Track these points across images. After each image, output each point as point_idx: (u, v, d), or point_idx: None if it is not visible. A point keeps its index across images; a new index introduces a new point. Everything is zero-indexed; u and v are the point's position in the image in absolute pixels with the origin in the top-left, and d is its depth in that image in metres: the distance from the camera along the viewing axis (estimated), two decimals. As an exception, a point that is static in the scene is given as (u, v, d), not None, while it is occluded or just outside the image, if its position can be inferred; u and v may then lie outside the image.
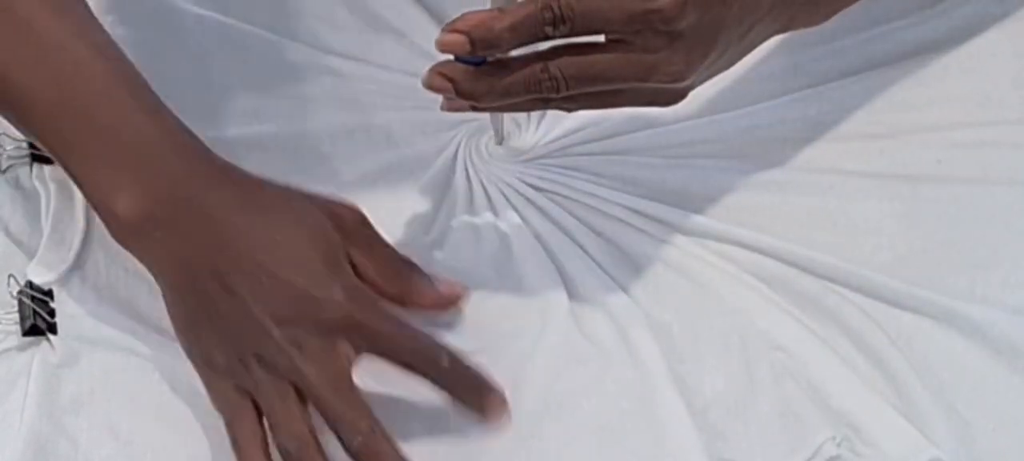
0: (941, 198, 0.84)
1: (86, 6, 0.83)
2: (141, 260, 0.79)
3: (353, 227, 0.80)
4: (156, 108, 0.80)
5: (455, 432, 0.78)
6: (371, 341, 0.76)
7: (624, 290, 0.82)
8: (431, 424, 0.78)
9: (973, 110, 0.86)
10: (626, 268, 0.83)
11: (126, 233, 0.78)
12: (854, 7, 0.83)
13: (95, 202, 0.78)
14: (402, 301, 0.80)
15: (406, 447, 0.76)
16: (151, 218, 0.77)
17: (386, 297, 0.79)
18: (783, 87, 0.88)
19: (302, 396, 0.76)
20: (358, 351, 0.77)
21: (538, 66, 0.73)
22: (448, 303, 0.81)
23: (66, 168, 0.79)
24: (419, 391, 0.78)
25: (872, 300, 0.81)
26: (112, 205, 0.77)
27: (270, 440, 0.76)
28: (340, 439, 0.75)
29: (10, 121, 0.81)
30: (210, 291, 0.76)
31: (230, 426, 0.77)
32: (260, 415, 0.76)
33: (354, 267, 0.79)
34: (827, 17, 0.81)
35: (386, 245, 0.81)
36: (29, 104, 0.78)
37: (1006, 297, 0.81)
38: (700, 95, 0.84)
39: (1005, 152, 0.85)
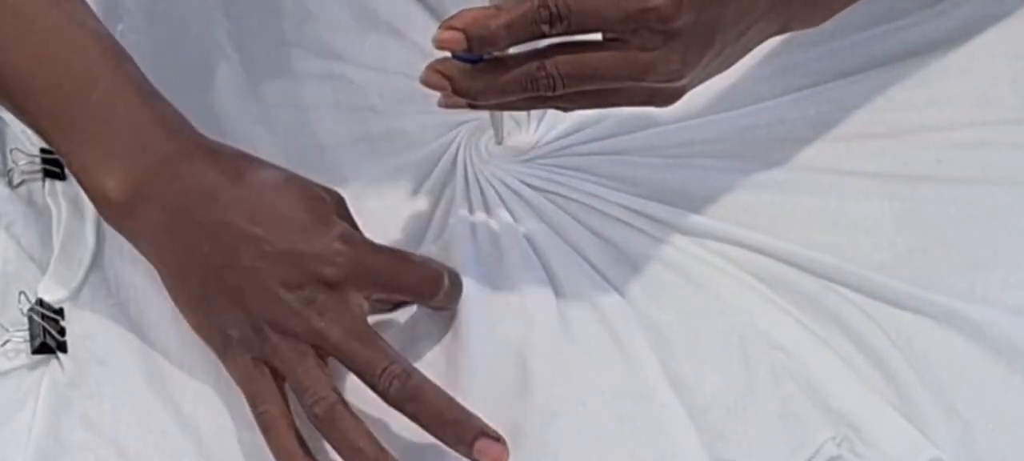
0: (941, 198, 0.84)
1: None
2: (137, 245, 0.80)
3: (336, 202, 0.81)
4: (147, 91, 0.81)
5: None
6: (378, 281, 0.78)
7: (620, 290, 0.83)
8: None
9: (973, 110, 0.86)
10: (625, 268, 0.83)
11: (118, 215, 0.79)
12: (853, 7, 0.82)
13: (86, 185, 0.79)
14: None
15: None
16: (142, 197, 0.78)
17: None
18: (783, 87, 0.88)
19: (320, 357, 0.76)
20: (368, 298, 0.78)
21: (535, 64, 0.73)
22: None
23: (57, 149, 0.81)
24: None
25: (872, 300, 0.81)
26: (103, 187, 0.78)
27: (294, 409, 0.77)
28: (373, 386, 0.76)
29: (3, 105, 0.82)
30: (214, 265, 0.77)
31: (253, 402, 0.77)
32: (279, 382, 0.77)
33: None
34: (825, 18, 0.81)
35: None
36: (22, 88, 0.80)
37: (1006, 297, 0.80)
38: (700, 94, 0.84)
39: (1005, 152, 0.85)
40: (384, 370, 0.75)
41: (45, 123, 0.80)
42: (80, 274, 0.82)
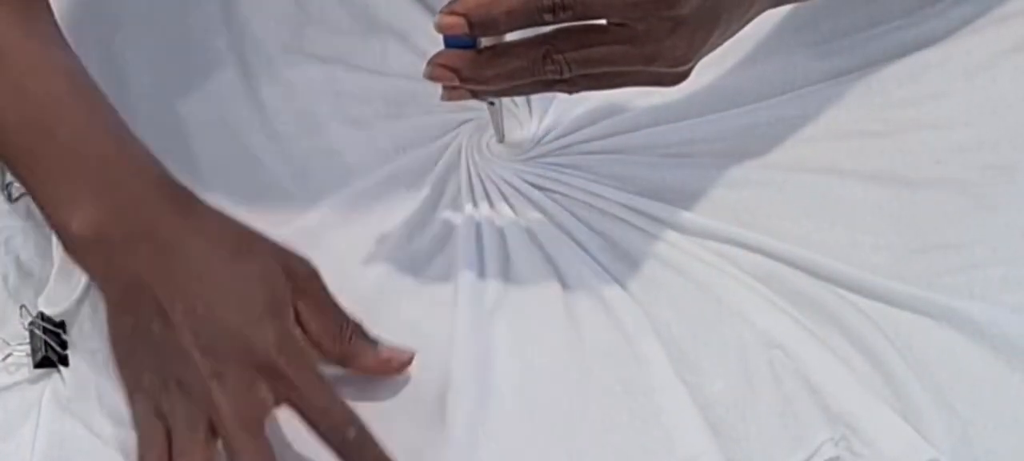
0: (941, 198, 0.83)
1: (56, 26, 0.83)
2: (89, 274, 0.79)
3: (304, 280, 0.78)
4: (120, 130, 0.80)
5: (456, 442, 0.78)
6: (288, 391, 0.75)
7: (622, 287, 0.83)
8: (420, 426, 0.79)
9: (972, 109, 0.86)
10: (624, 266, 0.83)
11: (78, 249, 0.78)
12: (854, 4, 0.82)
13: (51, 217, 0.78)
14: (342, 362, 0.79)
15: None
16: (104, 237, 0.77)
17: (327, 357, 0.78)
18: (782, 86, 0.88)
19: (213, 434, 0.75)
20: (276, 399, 0.75)
21: (542, 51, 0.73)
22: (390, 369, 0.79)
23: (25, 184, 0.80)
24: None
25: (870, 300, 0.81)
26: (67, 221, 0.77)
27: None
28: None
29: None
30: (146, 313, 0.76)
31: (140, 445, 0.76)
32: (168, 442, 0.75)
33: (299, 322, 0.78)
34: None
35: (334, 303, 0.79)
36: None
37: (1005, 296, 0.80)
38: (700, 93, 0.85)
39: (1004, 150, 0.84)
40: None
41: (13, 156, 0.79)
42: (80, 287, 0.82)
